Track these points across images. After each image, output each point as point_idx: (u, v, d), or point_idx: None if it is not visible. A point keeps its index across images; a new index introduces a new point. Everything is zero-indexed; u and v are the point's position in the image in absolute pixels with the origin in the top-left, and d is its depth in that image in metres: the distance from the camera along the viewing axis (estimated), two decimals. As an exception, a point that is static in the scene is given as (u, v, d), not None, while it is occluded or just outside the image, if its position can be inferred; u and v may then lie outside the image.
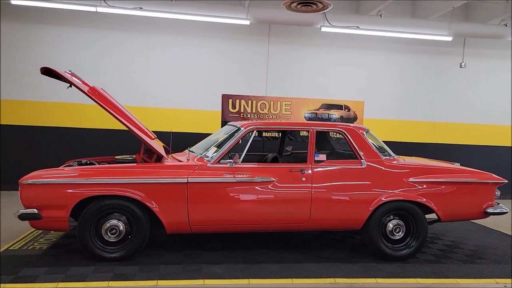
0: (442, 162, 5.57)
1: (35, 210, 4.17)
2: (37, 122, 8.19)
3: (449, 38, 8.33)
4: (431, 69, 9.54)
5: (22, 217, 4.19)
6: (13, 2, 7.04)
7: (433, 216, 4.95)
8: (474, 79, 9.65)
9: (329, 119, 8.71)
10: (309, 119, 8.64)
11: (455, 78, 9.62)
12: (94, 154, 6.48)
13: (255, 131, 4.82)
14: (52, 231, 5.32)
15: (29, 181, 4.19)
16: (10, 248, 4.72)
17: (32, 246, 4.82)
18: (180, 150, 5.65)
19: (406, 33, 8.27)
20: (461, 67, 9.43)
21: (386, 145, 5.35)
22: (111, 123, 5.82)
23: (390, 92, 9.43)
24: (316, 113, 8.70)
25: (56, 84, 4.75)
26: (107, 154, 6.16)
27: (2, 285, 3.72)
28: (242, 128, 4.80)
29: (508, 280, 4.35)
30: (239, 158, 4.56)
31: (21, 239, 5.07)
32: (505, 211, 4.97)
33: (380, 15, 8.03)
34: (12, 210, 4.32)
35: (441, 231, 6.19)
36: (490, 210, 4.94)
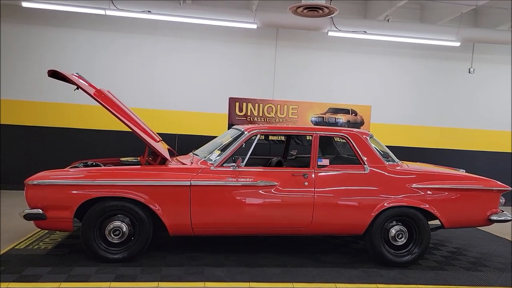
0: (446, 168, 5.53)
1: (40, 210, 4.25)
2: (45, 123, 8.29)
3: (457, 44, 8.27)
4: (439, 74, 9.48)
5: (27, 217, 4.26)
6: (24, 4, 7.14)
7: (436, 222, 4.92)
8: (482, 84, 9.58)
9: (335, 124, 8.70)
10: (316, 123, 8.64)
11: (463, 83, 9.55)
12: (100, 155, 6.56)
13: (258, 135, 4.85)
14: (57, 232, 5.40)
15: (35, 182, 4.26)
16: (16, 248, 4.78)
17: (37, 246, 4.88)
18: (187, 152, 5.69)
19: (414, 38, 8.20)
20: (469, 72, 9.36)
21: (393, 150, 5.33)
22: (118, 125, 5.90)
23: (398, 97, 9.39)
24: (323, 117, 8.70)
25: (69, 87, 4.84)
26: (114, 155, 6.23)
27: (7, 284, 3.79)
28: (245, 132, 4.83)
29: (510, 289, 4.32)
30: (242, 162, 4.58)
31: (27, 239, 5.14)
32: (509, 218, 4.93)
33: (388, 20, 8.01)
34: (20, 210, 4.38)
35: (447, 237, 6.15)
36: (494, 217, 4.90)
